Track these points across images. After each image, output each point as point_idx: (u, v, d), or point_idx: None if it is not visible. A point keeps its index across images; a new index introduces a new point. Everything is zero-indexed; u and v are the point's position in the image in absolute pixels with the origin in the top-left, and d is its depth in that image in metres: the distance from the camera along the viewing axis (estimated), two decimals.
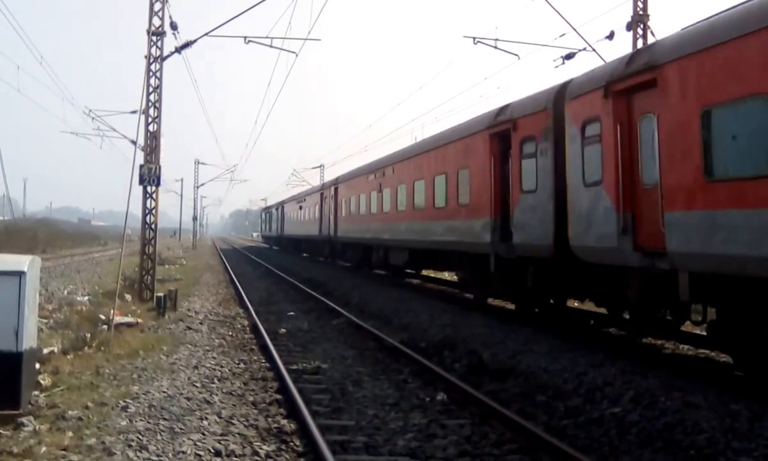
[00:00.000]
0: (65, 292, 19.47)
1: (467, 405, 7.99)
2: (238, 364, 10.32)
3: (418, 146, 20.24)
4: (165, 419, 6.97)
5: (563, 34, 17.65)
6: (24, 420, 6.56)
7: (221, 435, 6.64)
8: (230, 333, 13.39)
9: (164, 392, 8.09)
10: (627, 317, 11.06)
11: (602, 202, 10.10)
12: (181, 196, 74.32)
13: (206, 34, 18.19)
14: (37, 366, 8.11)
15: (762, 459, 5.70)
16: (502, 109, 14.02)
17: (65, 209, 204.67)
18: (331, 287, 22.93)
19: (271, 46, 18.72)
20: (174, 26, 17.58)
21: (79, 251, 53.23)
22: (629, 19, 17.46)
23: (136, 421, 6.79)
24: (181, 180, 73.55)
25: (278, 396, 8.37)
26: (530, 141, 12.56)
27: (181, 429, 6.70)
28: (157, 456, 5.90)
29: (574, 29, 17.01)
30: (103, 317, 13.09)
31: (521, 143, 12.86)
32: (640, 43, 17.06)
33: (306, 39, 18.48)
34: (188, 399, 7.89)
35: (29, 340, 7.00)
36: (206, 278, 27.85)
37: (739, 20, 7.75)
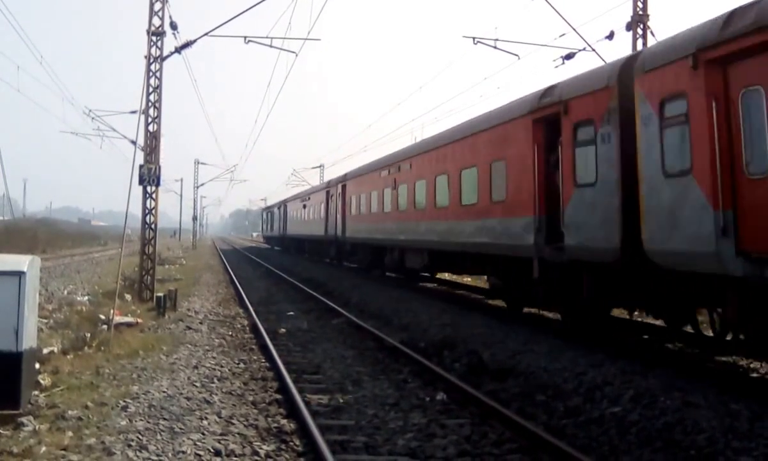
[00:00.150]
0: (65, 292, 19.47)
1: (467, 404, 7.99)
2: (238, 364, 10.32)
3: (441, 138, 18.12)
4: (165, 419, 6.97)
5: (563, 34, 17.65)
6: (24, 419, 6.56)
7: (221, 434, 6.64)
8: (230, 333, 13.39)
9: (164, 392, 8.09)
10: (694, 331, 10.34)
11: (692, 196, 8.41)
12: (181, 196, 74.38)
13: (206, 34, 18.20)
14: (37, 365, 8.11)
15: (762, 458, 5.70)
16: (549, 91, 12.18)
17: (65, 209, 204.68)
18: (331, 287, 22.93)
19: (270, 46, 18.73)
20: (174, 26, 17.59)
21: (79, 251, 53.23)
22: (629, 19, 17.46)
23: (135, 421, 6.79)
24: (181, 180, 73.61)
25: (278, 396, 8.37)
26: (587, 125, 10.79)
27: (180, 428, 6.70)
28: (157, 455, 5.90)
29: (574, 29, 17.02)
30: (103, 317, 13.09)
31: (575, 127, 11.08)
32: (639, 44, 17.07)
33: (306, 39, 18.50)
34: (188, 398, 7.89)
35: (29, 340, 7.00)
36: (206, 278, 27.85)
37: None
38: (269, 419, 7.37)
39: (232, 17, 17.71)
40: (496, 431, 6.99)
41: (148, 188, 17.33)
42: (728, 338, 9.65)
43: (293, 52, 19.17)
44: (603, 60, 15.74)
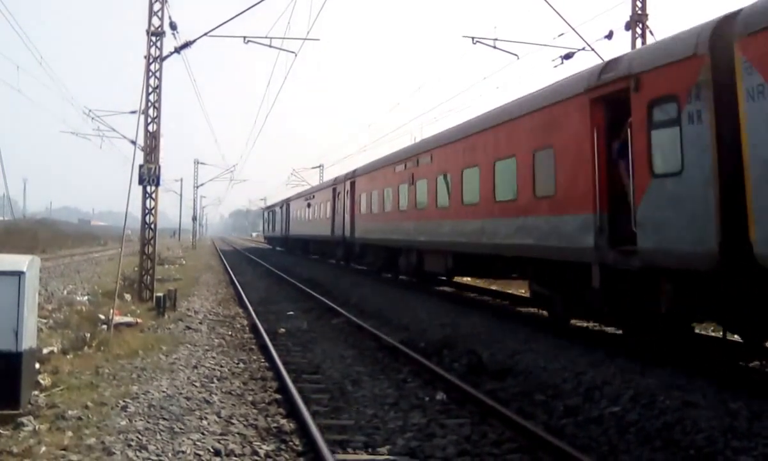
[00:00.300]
0: (65, 292, 19.47)
1: (466, 404, 8.00)
2: (238, 364, 10.32)
3: (469, 126, 16.01)
4: (164, 419, 6.97)
5: (562, 34, 17.65)
6: (24, 419, 6.57)
7: (221, 434, 6.65)
8: (230, 333, 13.39)
9: (164, 392, 8.09)
10: None
11: None
12: (181, 196, 74.42)
13: (205, 34, 18.19)
14: (37, 365, 8.12)
15: (761, 458, 5.70)
16: (611, 64, 10.44)
17: (65, 209, 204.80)
18: (330, 287, 22.94)
19: (270, 46, 18.73)
20: (173, 26, 17.59)
21: (79, 251, 53.22)
22: (628, 18, 17.47)
23: (135, 421, 6.80)
24: (181, 180, 73.67)
25: (277, 396, 8.38)
26: (667, 102, 9.06)
27: (180, 428, 6.70)
28: (157, 455, 5.90)
29: (573, 29, 17.02)
30: (102, 317, 13.09)
31: (650, 106, 9.29)
32: (639, 43, 17.08)
33: (305, 39, 18.49)
34: (188, 398, 7.90)
35: (29, 340, 7.00)
36: (206, 278, 27.86)
37: None
38: (269, 419, 7.38)
39: (232, 17, 17.71)
40: (496, 430, 6.99)
41: (148, 188, 17.33)
42: None
43: (293, 52, 19.14)
44: (602, 59, 15.69)
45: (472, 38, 18.21)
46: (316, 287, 22.83)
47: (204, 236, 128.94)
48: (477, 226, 14.95)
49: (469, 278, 22.79)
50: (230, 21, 17.85)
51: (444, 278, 21.20)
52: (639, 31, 17.36)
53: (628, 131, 9.74)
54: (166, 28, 17.33)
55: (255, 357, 10.95)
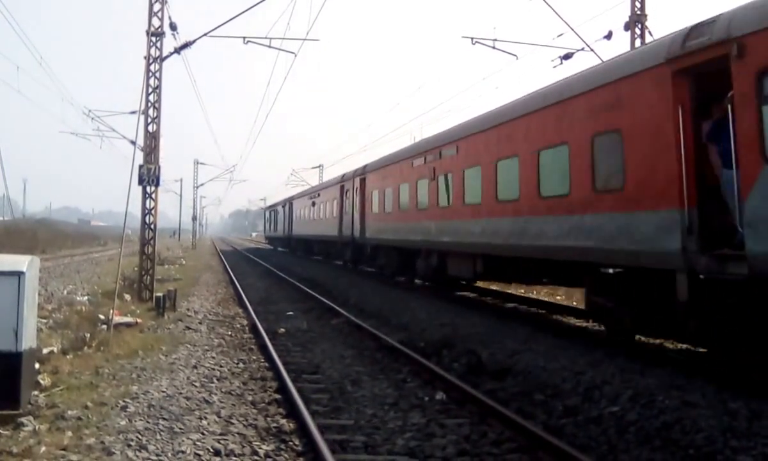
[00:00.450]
0: (65, 292, 19.47)
1: (466, 404, 8.00)
2: (237, 364, 10.33)
3: (506, 111, 14.04)
4: (164, 419, 6.98)
5: (561, 34, 17.69)
6: (23, 419, 6.57)
7: (220, 434, 6.65)
8: (229, 333, 13.40)
9: (163, 392, 8.10)
10: None
11: None
12: (181, 196, 74.46)
13: (205, 34, 18.21)
14: (37, 365, 8.12)
15: (761, 457, 5.71)
16: (700, 28, 8.53)
17: (65, 210, 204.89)
18: (330, 287, 22.94)
19: (270, 47, 18.75)
20: (173, 27, 17.61)
21: (79, 251, 53.21)
22: (627, 18, 17.48)
23: (135, 421, 6.80)
24: (181, 180, 73.74)
25: (277, 396, 8.39)
26: None
27: (180, 428, 6.71)
28: (157, 455, 5.91)
29: (572, 29, 17.04)
30: (102, 317, 13.09)
31: (760, 75, 7.57)
32: (638, 43, 17.08)
33: (305, 39, 18.51)
34: (187, 398, 7.90)
35: (29, 340, 7.01)
36: (205, 278, 27.86)
37: None
38: (268, 419, 7.38)
39: (232, 18, 17.75)
40: (496, 430, 7.00)
41: (148, 188, 17.34)
42: None
43: (292, 52, 19.16)
44: (601, 60, 15.71)
45: (472, 39, 18.24)
46: (316, 287, 22.83)
47: (204, 236, 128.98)
48: (516, 225, 13.07)
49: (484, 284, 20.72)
50: (230, 21, 17.91)
51: (467, 283, 19.67)
52: (638, 31, 17.37)
53: (728, 107, 8.02)
54: (166, 28, 17.37)
55: (255, 357, 10.96)
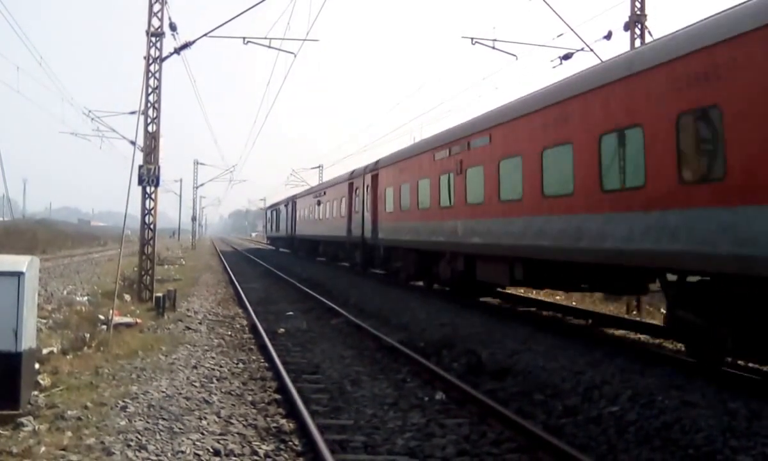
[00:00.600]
0: (64, 292, 19.48)
1: (466, 404, 8.01)
2: (237, 364, 10.33)
3: (557, 91, 12.06)
4: (164, 419, 6.98)
5: (561, 34, 17.67)
6: (23, 420, 6.57)
7: (220, 434, 6.65)
8: (229, 333, 13.40)
9: (163, 392, 8.10)
10: None
11: None
12: (180, 196, 74.48)
13: (205, 34, 18.22)
14: (37, 366, 8.12)
15: (760, 457, 5.71)
16: None
17: (65, 210, 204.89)
18: (330, 287, 22.95)
19: (269, 47, 18.75)
20: (173, 27, 17.63)
21: (79, 251, 53.21)
22: (627, 19, 17.48)
23: (135, 421, 6.80)
24: (180, 180, 73.78)
25: (277, 396, 8.39)
26: None
27: (180, 428, 6.71)
28: (156, 455, 5.91)
29: (572, 29, 17.04)
30: (102, 317, 13.09)
31: None
32: (637, 43, 17.09)
33: (305, 40, 18.51)
34: (187, 398, 7.90)
35: (28, 340, 7.01)
36: (205, 278, 27.86)
37: None
38: (268, 419, 7.38)
39: (231, 18, 17.75)
40: (495, 430, 7.00)
41: (147, 189, 17.34)
42: None
43: (292, 53, 19.17)
44: (600, 60, 15.70)
45: (472, 39, 18.23)
46: (316, 287, 22.84)
47: (203, 237, 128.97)
48: (569, 225, 11.24)
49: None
50: (230, 22, 17.91)
51: (500, 289, 17.99)
52: (638, 31, 17.37)
53: None
54: (166, 29, 17.37)
55: (254, 357, 10.96)
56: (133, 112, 24.16)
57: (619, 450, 6.30)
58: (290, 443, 6.57)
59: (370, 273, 27.34)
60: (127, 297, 17.26)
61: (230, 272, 29.66)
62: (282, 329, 13.99)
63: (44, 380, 8.14)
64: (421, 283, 21.66)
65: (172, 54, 17.73)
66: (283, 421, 7.28)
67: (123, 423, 6.72)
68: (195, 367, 9.78)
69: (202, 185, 71.52)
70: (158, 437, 6.38)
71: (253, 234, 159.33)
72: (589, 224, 10.75)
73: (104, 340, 10.95)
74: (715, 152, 8.27)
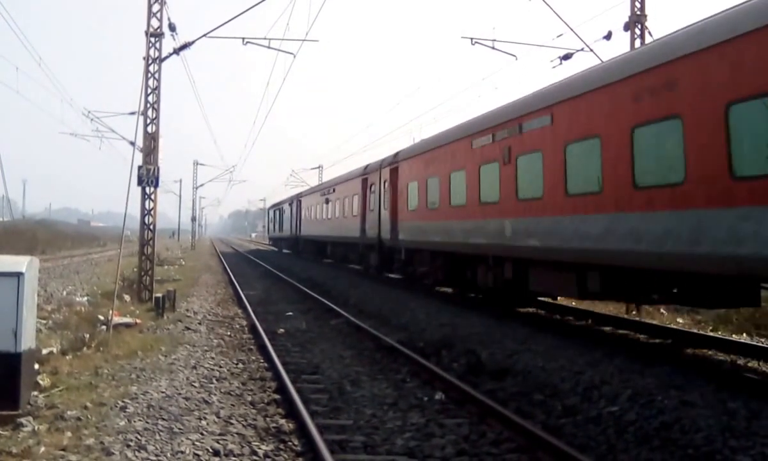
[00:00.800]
0: (64, 293, 19.47)
1: (465, 404, 8.01)
2: (237, 364, 10.33)
3: (656, 50, 9.68)
4: (163, 419, 6.98)
5: (561, 35, 17.71)
6: (23, 420, 6.57)
7: (220, 434, 6.65)
8: (229, 333, 13.40)
9: (163, 392, 8.10)
10: None
11: None
12: (180, 197, 74.43)
13: (204, 35, 18.23)
14: (36, 366, 8.12)
15: (760, 457, 5.71)
16: None
17: (64, 210, 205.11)
18: (329, 287, 22.95)
19: (269, 48, 18.75)
20: (172, 28, 17.64)
21: (78, 252, 53.20)
22: (627, 19, 17.49)
23: (134, 421, 6.80)
24: (180, 181, 73.73)
25: (276, 396, 8.39)
26: None
27: (179, 429, 6.71)
28: (156, 456, 5.91)
29: (572, 29, 17.06)
30: (101, 317, 13.09)
31: None
32: (637, 44, 17.09)
33: (304, 40, 18.51)
34: (187, 399, 7.90)
35: (28, 341, 7.01)
36: (205, 278, 27.86)
37: None
38: (268, 419, 7.38)
39: (231, 18, 17.75)
40: (495, 430, 7.00)
41: (147, 189, 17.34)
42: None
43: (291, 53, 19.18)
44: (600, 60, 15.69)
45: (471, 39, 18.24)
46: (315, 287, 22.84)
47: (203, 237, 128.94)
48: (682, 224, 8.78)
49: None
50: (229, 22, 17.91)
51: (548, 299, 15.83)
52: (638, 31, 17.38)
53: None
54: (165, 29, 17.37)
55: (254, 358, 10.96)
56: (132, 113, 24.11)
57: (618, 450, 6.31)
58: (290, 443, 6.56)
59: (371, 274, 26.97)
60: (127, 298, 17.26)
61: (230, 273, 29.66)
62: (281, 330, 13.99)
63: (44, 380, 8.14)
64: (449, 290, 19.52)
65: (171, 54, 17.74)
66: (282, 421, 7.28)
67: (122, 423, 6.72)
68: (194, 367, 9.78)
69: (201, 185, 71.73)
70: (158, 437, 6.38)
71: (253, 235, 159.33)
72: (712, 222, 8.29)
73: (104, 340, 10.95)
74: None
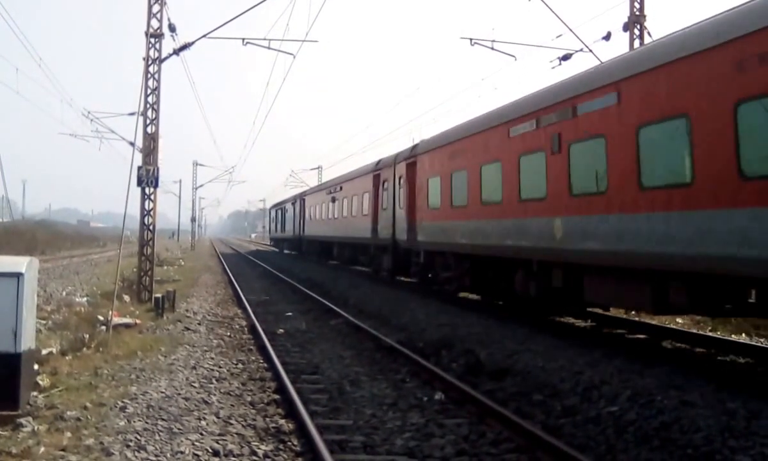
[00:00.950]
0: (64, 293, 19.46)
1: (465, 404, 8.01)
2: (236, 364, 10.33)
3: (753, 11, 7.91)
4: (163, 419, 6.98)
5: (560, 35, 17.72)
6: (23, 420, 6.57)
7: (219, 435, 6.65)
8: (228, 334, 13.40)
9: (162, 392, 8.10)
10: None
11: None
12: (180, 197, 74.40)
13: (204, 35, 18.24)
14: (36, 366, 8.12)
15: (759, 457, 5.71)
16: None
17: (64, 211, 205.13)
18: (329, 287, 22.95)
19: (269, 48, 18.76)
20: (172, 28, 17.64)
21: (78, 252, 53.20)
22: (626, 19, 17.50)
23: (134, 421, 6.80)
24: (180, 181, 73.70)
25: (276, 396, 8.39)
26: None
27: (179, 429, 6.71)
28: (155, 456, 5.91)
29: (571, 30, 17.09)
30: (101, 318, 13.09)
31: None
32: (637, 44, 17.10)
33: (304, 41, 18.52)
34: (186, 399, 7.90)
35: (28, 341, 7.01)
36: (204, 279, 27.86)
37: None
38: (267, 419, 7.38)
39: (231, 19, 17.77)
40: (494, 430, 7.00)
41: (147, 190, 17.34)
42: None
43: (291, 54, 19.18)
44: (600, 60, 15.70)
45: (470, 39, 18.24)
46: (314, 287, 22.84)
47: (203, 237, 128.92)
48: None
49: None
50: (229, 23, 17.93)
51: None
52: (637, 32, 17.39)
53: None
54: (165, 30, 17.38)
55: (254, 358, 10.96)
56: (132, 114, 24.11)
57: (618, 450, 6.31)
58: (289, 443, 6.57)
59: (382, 278, 25.14)
60: (127, 298, 17.26)
61: (229, 274, 29.66)
62: (281, 330, 13.99)
63: (43, 380, 8.14)
64: (475, 296, 17.71)
65: (171, 55, 17.74)
66: (282, 421, 7.28)
67: (122, 423, 6.72)
68: (194, 368, 9.78)
69: (201, 185, 71.57)
70: (157, 437, 6.38)
71: (253, 235, 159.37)
72: None
73: (103, 341, 10.94)
74: None
